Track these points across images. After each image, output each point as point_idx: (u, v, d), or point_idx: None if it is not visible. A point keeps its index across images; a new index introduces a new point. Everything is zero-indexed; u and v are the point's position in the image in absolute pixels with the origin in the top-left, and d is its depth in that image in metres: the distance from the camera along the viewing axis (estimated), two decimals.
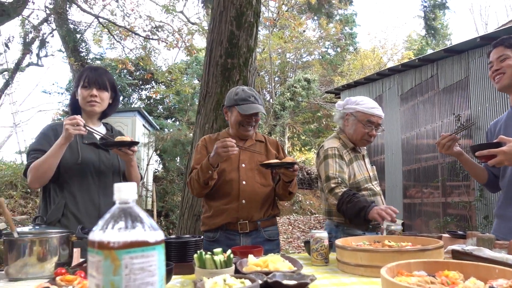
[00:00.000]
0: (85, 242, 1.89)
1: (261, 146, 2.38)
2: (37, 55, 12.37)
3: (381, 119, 2.41)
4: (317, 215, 12.96)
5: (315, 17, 17.48)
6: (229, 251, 1.40)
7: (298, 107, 17.52)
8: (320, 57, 21.16)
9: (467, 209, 5.88)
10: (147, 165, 11.05)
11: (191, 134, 11.78)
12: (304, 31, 16.78)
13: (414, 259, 1.44)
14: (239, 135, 2.31)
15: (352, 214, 2.13)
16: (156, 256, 0.66)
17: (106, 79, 2.15)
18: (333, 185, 2.22)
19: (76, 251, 1.84)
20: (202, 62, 14.94)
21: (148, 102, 15.47)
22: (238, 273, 1.37)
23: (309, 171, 16.19)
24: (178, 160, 11.54)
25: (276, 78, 20.15)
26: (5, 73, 12.19)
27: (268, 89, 18.70)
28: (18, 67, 11.85)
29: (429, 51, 18.09)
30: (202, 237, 1.93)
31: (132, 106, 14.17)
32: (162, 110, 15.26)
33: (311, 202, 14.20)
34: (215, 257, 1.35)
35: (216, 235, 2.24)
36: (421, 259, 1.43)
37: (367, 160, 2.54)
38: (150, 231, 0.67)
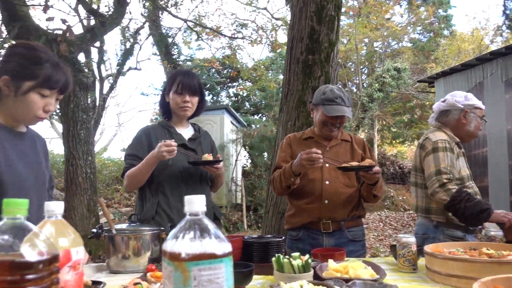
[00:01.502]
0: None
1: (346, 146, 2.31)
2: (136, 59, 13.47)
3: (483, 111, 2.41)
4: (410, 212, 12.28)
5: (405, 1, 16.46)
6: (307, 256, 1.39)
7: (388, 98, 16.68)
8: (411, 44, 19.86)
9: None
10: (236, 160, 11.41)
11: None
12: (389, 18, 15.88)
13: None
14: (322, 135, 2.28)
15: (471, 214, 2.03)
16: (223, 269, 0.68)
17: (197, 84, 2.25)
18: (445, 180, 2.12)
19: None
20: None
21: (236, 99, 15.93)
22: (317, 278, 1.35)
23: (401, 165, 15.37)
24: (265, 156, 11.74)
25: (363, 69, 19.40)
26: (110, 78, 13.45)
27: (355, 81, 18.10)
28: (120, 72, 13.00)
29: None
30: (284, 237, 1.94)
31: (220, 104, 14.72)
32: (248, 106, 15.61)
33: (404, 197, 13.49)
34: (293, 262, 1.35)
35: (299, 233, 2.24)
36: None
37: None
38: (218, 243, 0.69)
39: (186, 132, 2.31)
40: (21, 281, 0.60)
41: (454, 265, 1.44)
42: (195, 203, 0.72)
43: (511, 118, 7.33)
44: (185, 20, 10.17)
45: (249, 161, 13.08)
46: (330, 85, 2.33)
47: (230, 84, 15.96)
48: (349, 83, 18.04)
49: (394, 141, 19.83)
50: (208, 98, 15.13)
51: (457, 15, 43.66)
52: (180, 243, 0.68)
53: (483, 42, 19.07)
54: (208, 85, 14.15)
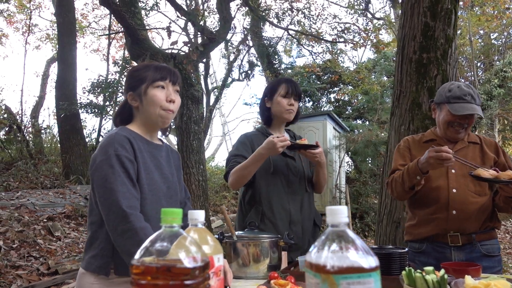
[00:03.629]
0: (290, 247, 2.01)
1: (475, 149, 2.09)
2: (239, 71, 14.09)
3: None
4: None
5: None
6: (442, 271, 1.27)
7: (510, 94, 14.88)
8: None
9: None
10: (339, 167, 11.18)
11: (382, 134, 11.38)
12: (508, 8, 14.19)
13: None
14: (446, 137, 2.09)
15: None
16: (372, 284, 0.64)
17: (299, 91, 2.30)
18: None
19: (284, 255, 1.99)
20: (390, 57, 14.28)
21: (337, 104, 15.66)
22: None
23: None
24: (369, 161, 11.30)
25: (479, 64, 17.61)
26: (215, 90, 14.24)
27: (469, 78, 16.52)
28: (224, 83, 13.70)
29: None
30: (407, 249, 1.82)
31: (322, 109, 14.58)
32: (350, 111, 15.22)
33: None
34: (427, 276, 1.25)
35: (422, 246, 2.08)
36: None
37: None
38: (365, 256, 0.66)
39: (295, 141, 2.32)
40: (181, 286, 0.64)
41: None
42: (337, 215, 0.70)
43: None
44: (286, 29, 10.33)
45: (352, 167, 12.71)
46: (456, 82, 2.14)
47: (330, 89, 15.75)
48: (462, 80, 16.51)
49: None
50: (308, 104, 15.11)
51: None
52: (325, 254, 0.66)
53: None
54: (309, 92, 14.15)
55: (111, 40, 12.70)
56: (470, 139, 2.12)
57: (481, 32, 16.34)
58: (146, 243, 0.69)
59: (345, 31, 10.67)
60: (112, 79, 9.55)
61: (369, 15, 13.46)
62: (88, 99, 9.71)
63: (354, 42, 9.96)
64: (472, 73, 15.92)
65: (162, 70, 1.59)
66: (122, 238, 1.37)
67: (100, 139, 11.20)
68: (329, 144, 10.83)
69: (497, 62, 15.49)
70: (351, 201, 10.56)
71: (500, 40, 16.91)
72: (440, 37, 3.11)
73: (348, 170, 12.50)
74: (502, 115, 16.27)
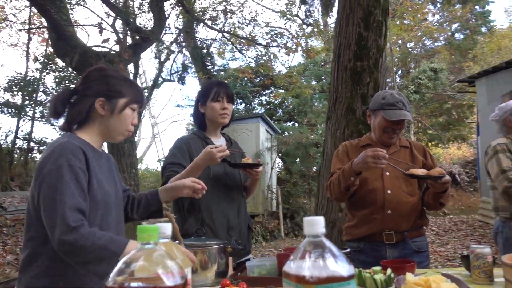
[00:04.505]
0: (236, 252, 2.01)
1: (405, 152, 2.25)
2: (171, 72, 13.78)
3: None
4: (451, 216, 11.86)
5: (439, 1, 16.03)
6: (389, 270, 1.36)
7: (423, 99, 16.28)
8: (447, 43, 19.32)
9: None
10: (271, 168, 11.40)
11: (312, 136, 11.83)
12: (425, 18, 15.54)
13: None
14: (381, 142, 2.23)
15: None
16: None
17: (231, 93, 2.29)
18: (511, 176, 2.40)
19: (231, 260, 1.98)
20: (319, 63, 14.88)
21: (268, 106, 15.96)
22: None
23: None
24: (298, 162, 11.65)
25: (398, 71, 19.02)
26: (145, 90, 13.80)
27: (388, 83, 17.77)
28: (155, 84, 13.31)
29: None
30: (349, 249, 1.91)
31: (254, 112, 14.77)
32: (281, 113, 15.60)
33: None
34: (375, 276, 1.32)
35: (360, 245, 2.19)
36: None
37: None
38: (343, 264, 0.68)
39: (220, 142, 2.31)
40: None
41: None
42: (316, 225, 0.72)
43: None
44: (221, 31, 10.31)
45: (283, 168, 13.04)
46: (388, 90, 2.30)
47: (262, 92, 16.02)
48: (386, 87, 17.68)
49: (430, 143, 19.28)
50: (241, 107, 15.24)
51: (495, 11, 42.27)
52: (305, 265, 0.68)
53: None
54: (241, 94, 14.26)
55: (31, 35, 11.74)
56: (401, 143, 2.27)
57: (400, 41, 17.66)
58: (122, 262, 0.65)
59: (278, 36, 10.97)
60: (32, 77, 8.83)
61: (300, 21, 13.94)
62: (3, 98, 8.89)
63: (288, 48, 10.24)
64: (392, 79, 17.14)
65: (140, 93, 1.59)
66: (74, 251, 1.28)
67: (18, 141, 10.36)
68: (261, 146, 11.00)
69: (413, 70, 16.85)
70: (282, 202, 10.82)
71: (416, 49, 18.42)
72: (372, 47, 3.32)
73: (278, 171, 12.80)
74: (416, 118, 17.72)
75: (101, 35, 5.09)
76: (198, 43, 11.57)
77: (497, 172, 2.50)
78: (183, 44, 10.83)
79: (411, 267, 1.69)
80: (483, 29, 18.89)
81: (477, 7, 18.23)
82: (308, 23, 12.62)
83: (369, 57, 3.34)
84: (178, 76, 12.26)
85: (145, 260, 0.65)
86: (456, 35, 19.64)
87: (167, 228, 0.85)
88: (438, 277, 1.44)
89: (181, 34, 9.83)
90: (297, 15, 13.09)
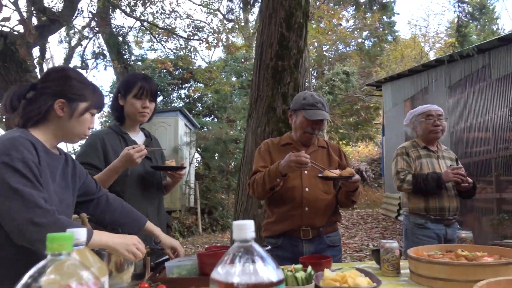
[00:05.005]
0: (155, 252, 1.93)
1: (323, 152, 2.34)
2: (82, 58, 12.86)
3: (439, 111, 2.86)
4: (359, 210, 12.74)
5: (352, 7, 17.05)
6: (310, 268, 1.39)
7: (336, 100, 17.26)
8: (358, 48, 20.68)
9: None
10: (190, 163, 11.24)
11: (231, 132, 11.88)
12: (340, 24, 16.45)
13: (499, 272, 1.38)
14: (301, 141, 2.29)
15: (432, 185, 2.63)
16: None
17: (155, 90, 2.19)
18: (402, 176, 2.72)
19: (148, 261, 1.89)
20: (239, 59, 14.98)
21: (187, 100, 15.70)
22: None
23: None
24: (217, 157, 11.64)
25: (313, 72, 19.91)
26: None
27: (306, 84, 18.51)
28: None
29: (474, 37, 17.24)
30: (269, 246, 1.93)
31: (172, 105, 14.43)
32: (201, 108, 15.45)
33: None
34: (297, 274, 1.35)
35: (278, 241, 2.24)
36: (508, 273, 1.37)
37: (445, 160, 2.87)
38: (272, 270, 0.67)
39: (138, 138, 2.22)
40: None
41: (440, 269, 1.51)
42: (245, 230, 0.69)
43: (454, 121, 7.84)
44: (138, 19, 9.85)
45: (201, 163, 12.94)
46: (308, 91, 2.38)
47: (181, 86, 15.70)
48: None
49: (341, 142, 20.54)
50: (159, 99, 14.79)
51: (400, 22, 46.15)
52: (234, 271, 0.65)
53: (424, 49, 20.27)
54: (160, 86, 13.83)
55: None
56: (319, 143, 2.37)
57: (316, 44, 18.47)
58: (28, 277, 0.57)
59: (199, 30, 10.79)
60: None
61: (221, 16, 13.89)
62: None
63: (209, 43, 10.12)
64: (308, 80, 17.88)
65: (102, 99, 1.58)
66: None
67: None
68: (180, 141, 10.79)
69: (327, 72, 17.75)
70: (200, 197, 10.74)
71: (330, 52, 19.42)
72: (293, 48, 3.40)
73: (197, 166, 12.67)
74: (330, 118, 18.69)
75: (0, 12, 4.52)
76: (114, 30, 10.94)
77: (394, 173, 2.81)
78: (97, 29, 10.17)
79: (328, 262, 1.77)
80: (389, 38, 20.54)
81: (384, 17, 19.75)
82: (229, 18, 12.64)
83: (290, 57, 3.41)
84: (93, 60, 11.49)
85: (55, 272, 0.57)
86: (366, 42, 21.13)
87: (80, 233, 0.77)
88: (353, 272, 1.51)
89: (95, 19, 9.21)
90: (218, 10, 13.06)
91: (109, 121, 12.59)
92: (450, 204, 2.74)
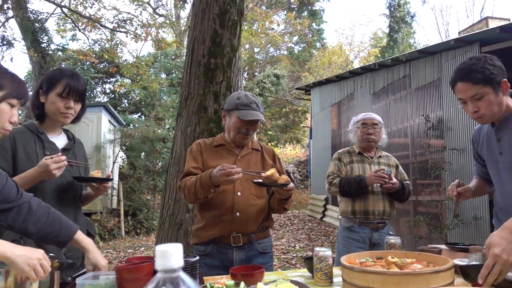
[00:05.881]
0: (66, 267, 1.69)
1: (257, 155, 2.26)
2: None
3: (374, 120, 2.93)
4: (288, 211, 12.98)
5: (283, 12, 17.45)
6: (242, 284, 1.28)
7: (266, 102, 17.50)
8: (288, 52, 21.19)
9: (439, 208, 6.01)
10: (114, 162, 10.65)
11: (159, 131, 11.45)
12: (272, 28, 16.74)
13: (429, 281, 1.38)
14: (235, 142, 2.19)
15: (354, 187, 2.75)
16: None
17: (83, 89, 1.94)
18: (330, 180, 2.88)
19: (57, 276, 1.65)
20: (170, 55, 14.53)
21: (112, 96, 14.90)
22: None
23: None
24: (143, 157, 11.17)
25: (244, 73, 20.01)
26: None
27: (239, 84, 18.55)
28: None
29: (395, 50, 18.54)
30: (197, 257, 1.79)
31: (96, 100, 13.60)
32: (127, 104, 14.74)
33: None
34: None
35: (207, 248, 2.11)
36: (437, 281, 1.37)
37: (380, 166, 2.91)
38: None
39: (59, 140, 1.97)
40: None
41: (373, 278, 1.48)
42: (171, 257, 0.54)
43: None
44: (59, 5, 9.07)
45: (126, 162, 12.33)
46: (242, 91, 2.29)
47: (106, 80, 14.87)
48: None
49: (270, 144, 20.91)
50: None
51: (328, 30, 48.32)
52: None
53: (349, 57, 21.33)
54: None
55: None
56: (253, 146, 2.28)
57: (247, 45, 18.58)
58: None
59: (127, 22, 10.21)
60: None
61: (151, 10, 13.38)
62: None
63: (137, 35, 9.61)
64: (239, 81, 17.93)
65: (23, 88, 1.44)
66: None
67: None
68: (103, 138, 10.17)
69: (258, 74, 17.93)
70: (124, 198, 10.21)
71: (262, 54, 19.67)
72: (227, 45, 3.27)
73: (121, 166, 12.04)
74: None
75: None
76: (30, 15, 9.95)
77: (326, 176, 2.97)
78: (9, 12, 9.18)
79: (260, 274, 1.66)
80: (318, 44, 21.33)
81: (313, 24, 20.48)
82: (159, 13, 12.19)
83: (223, 55, 3.29)
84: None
85: None
86: (296, 47, 21.75)
87: None
88: (288, 284, 1.43)
89: (8, 1, 8.30)
90: (148, 3, 12.53)
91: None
92: (375, 207, 2.79)
